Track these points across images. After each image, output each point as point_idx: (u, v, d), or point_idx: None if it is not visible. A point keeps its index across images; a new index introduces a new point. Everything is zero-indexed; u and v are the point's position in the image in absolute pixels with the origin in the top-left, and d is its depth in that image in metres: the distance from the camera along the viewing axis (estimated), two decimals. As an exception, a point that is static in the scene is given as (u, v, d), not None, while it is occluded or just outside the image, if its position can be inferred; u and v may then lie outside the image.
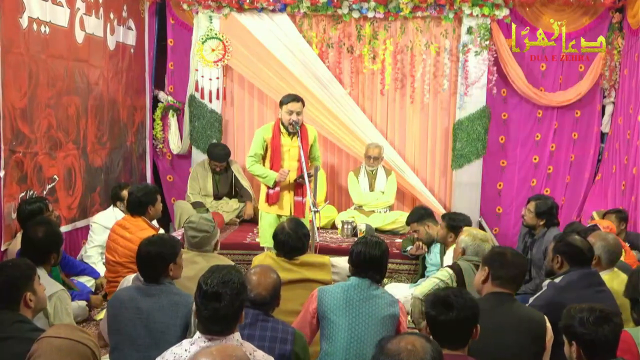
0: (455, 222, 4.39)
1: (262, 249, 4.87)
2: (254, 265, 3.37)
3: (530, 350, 2.77)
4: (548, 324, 2.83)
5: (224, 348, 1.88)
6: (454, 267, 3.60)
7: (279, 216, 4.82)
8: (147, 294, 2.86)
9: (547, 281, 3.37)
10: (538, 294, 3.32)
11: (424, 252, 4.97)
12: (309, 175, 4.62)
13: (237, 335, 2.29)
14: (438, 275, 3.60)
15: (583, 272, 3.27)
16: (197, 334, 2.29)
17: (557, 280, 3.30)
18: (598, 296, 3.11)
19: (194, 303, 2.32)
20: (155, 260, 2.91)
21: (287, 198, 4.85)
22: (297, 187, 4.84)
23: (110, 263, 4.36)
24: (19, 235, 4.08)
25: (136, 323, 2.79)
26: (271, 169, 4.83)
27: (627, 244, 4.52)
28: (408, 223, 5.17)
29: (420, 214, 4.98)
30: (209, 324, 2.26)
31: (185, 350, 2.23)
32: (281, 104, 4.84)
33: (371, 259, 3.02)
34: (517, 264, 2.92)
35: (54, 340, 2.08)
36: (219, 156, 6.40)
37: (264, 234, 4.94)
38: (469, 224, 4.40)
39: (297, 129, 4.72)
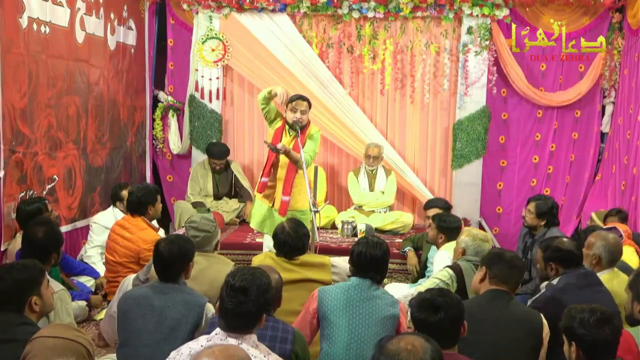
0: (445, 224, 4.40)
1: (262, 249, 4.86)
2: (254, 265, 3.37)
3: (526, 344, 2.79)
4: (544, 320, 2.86)
5: (225, 348, 1.87)
6: (455, 267, 3.60)
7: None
8: (162, 292, 2.89)
9: (545, 283, 3.38)
10: (537, 295, 3.33)
11: (416, 270, 5.08)
12: (307, 166, 4.50)
13: (254, 336, 2.29)
14: (438, 276, 3.60)
15: (580, 272, 3.27)
16: (216, 329, 2.29)
17: (554, 282, 3.30)
18: (596, 296, 3.10)
19: (219, 298, 2.31)
20: (178, 259, 2.94)
21: (276, 194, 4.73)
22: (286, 185, 4.67)
23: (110, 263, 4.37)
24: (19, 235, 4.08)
25: (148, 319, 2.81)
26: (268, 165, 4.73)
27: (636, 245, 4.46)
28: (428, 207, 5.28)
29: (447, 206, 5.24)
30: (231, 319, 2.25)
31: (201, 345, 2.24)
32: (287, 102, 4.81)
33: (372, 259, 3.02)
34: (514, 263, 2.96)
35: (47, 339, 2.07)
36: (218, 153, 6.40)
37: (254, 215, 4.92)
38: (459, 225, 4.41)
39: (297, 129, 4.67)
